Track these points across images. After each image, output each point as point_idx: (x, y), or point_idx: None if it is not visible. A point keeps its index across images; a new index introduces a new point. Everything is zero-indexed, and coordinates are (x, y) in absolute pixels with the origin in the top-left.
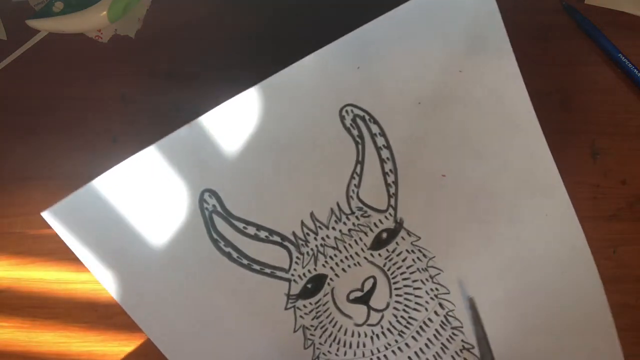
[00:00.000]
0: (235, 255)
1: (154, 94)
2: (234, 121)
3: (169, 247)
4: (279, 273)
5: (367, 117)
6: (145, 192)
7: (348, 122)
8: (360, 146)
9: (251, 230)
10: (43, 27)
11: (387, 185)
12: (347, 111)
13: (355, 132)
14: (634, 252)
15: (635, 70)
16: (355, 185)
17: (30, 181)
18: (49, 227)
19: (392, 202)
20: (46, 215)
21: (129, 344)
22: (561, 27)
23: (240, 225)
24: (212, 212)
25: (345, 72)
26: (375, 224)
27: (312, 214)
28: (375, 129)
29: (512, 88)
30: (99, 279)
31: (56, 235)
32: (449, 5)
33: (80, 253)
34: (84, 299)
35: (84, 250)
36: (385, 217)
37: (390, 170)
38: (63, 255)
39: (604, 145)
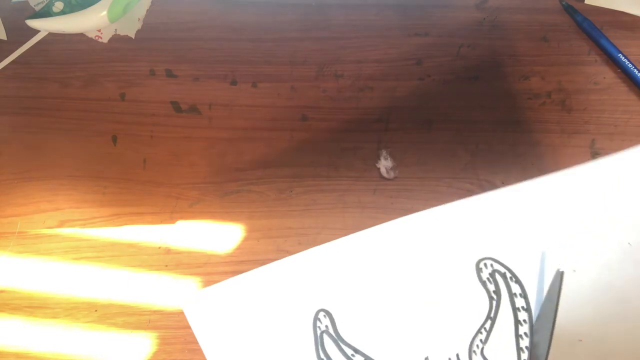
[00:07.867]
0: None
1: (154, 93)
2: (366, 251)
3: (279, 357)
4: None
5: (508, 275)
6: (269, 301)
7: (485, 275)
8: (494, 302)
9: (358, 359)
10: (43, 27)
11: (519, 349)
12: (485, 264)
13: (491, 288)
14: None
15: (635, 70)
16: (481, 340)
17: (30, 181)
18: (48, 227)
19: None
20: (187, 310)
21: (129, 344)
22: (561, 27)
23: (349, 351)
24: (323, 332)
25: (491, 225)
26: None
27: (426, 359)
28: (516, 288)
29: None
30: None
31: (55, 236)
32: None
33: (205, 345)
34: (84, 298)
35: (211, 343)
36: None
37: (525, 333)
38: (62, 256)
39: (604, 145)
